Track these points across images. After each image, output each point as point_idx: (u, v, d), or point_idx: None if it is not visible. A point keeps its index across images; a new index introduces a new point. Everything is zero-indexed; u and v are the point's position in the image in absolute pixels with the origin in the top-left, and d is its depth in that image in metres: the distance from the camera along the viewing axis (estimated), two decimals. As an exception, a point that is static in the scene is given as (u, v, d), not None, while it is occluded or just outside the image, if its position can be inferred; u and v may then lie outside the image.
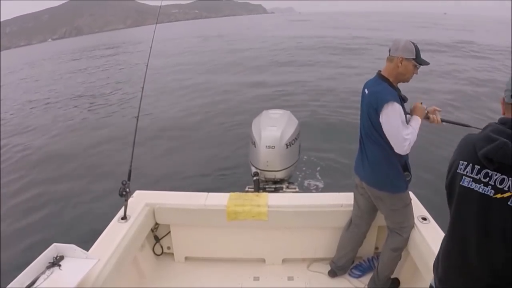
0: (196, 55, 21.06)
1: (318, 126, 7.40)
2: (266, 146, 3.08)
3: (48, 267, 1.71)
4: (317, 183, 5.09)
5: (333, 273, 2.53)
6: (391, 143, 1.92)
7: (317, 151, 6.01)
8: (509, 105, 1.04)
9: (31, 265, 1.67)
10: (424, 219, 2.26)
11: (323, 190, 4.85)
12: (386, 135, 1.92)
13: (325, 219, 2.49)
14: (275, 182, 3.28)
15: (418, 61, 1.94)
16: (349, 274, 2.51)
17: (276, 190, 3.19)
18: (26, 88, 15.94)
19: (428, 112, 2.12)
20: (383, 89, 1.93)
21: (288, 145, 3.13)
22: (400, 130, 1.87)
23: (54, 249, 1.80)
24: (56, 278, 1.67)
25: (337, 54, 17.78)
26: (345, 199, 2.49)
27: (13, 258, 3.75)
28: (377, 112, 1.90)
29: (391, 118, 1.86)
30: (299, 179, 5.05)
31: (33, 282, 1.61)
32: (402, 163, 2.04)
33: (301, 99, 9.41)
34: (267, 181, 3.28)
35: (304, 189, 4.80)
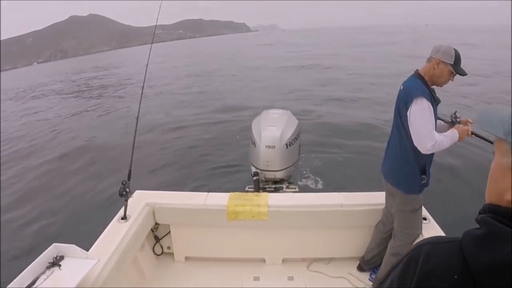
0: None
1: (318, 125, 7.41)
2: (266, 146, 3.08)
3: (48, 267, 1.71)
4: (317, 182, 5.08)
5: (360, 268, 2.55)
6: (414, 139, 1.88)
7: (318, 151, 6.01)
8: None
9: (31, 265, 1.67)
10: (424, 219, 2.26)
11: (323, 190, 4.84)
12: (410, 130, 1.90)
13: (325, 219, 2.48)
14: (275, 182, 3.28)
15: (455, 68, 1.91)
16: (369, 279, 2.50)
17: (276, 190, 3.19)
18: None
19: (461, 122, 2.08)
20: (415, 85, 1.93)
21: (288, 145, 3.13)
22: (426, 126, 1.84)
23: (54, 249, 1.80)
24: (56, 278, 1.66)
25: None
26: (345, 199, 2.48)
27: (13, 258, 3.75)
28: (406, 106, 1.90)
29: (418, 114, 1.84)
30: (299, 179, 5.05)
31: (33, 282, 1.61)
32: (421, 165, 2.01)
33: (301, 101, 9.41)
34: (267, 181, 3.27)
35: (304, 189, 4.80)
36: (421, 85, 1.93)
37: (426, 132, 1.84)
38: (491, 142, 2.09)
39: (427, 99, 1.85)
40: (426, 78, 1.97)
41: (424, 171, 2.04)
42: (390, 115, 2.16)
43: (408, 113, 1.89)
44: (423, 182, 2.04)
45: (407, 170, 2.03)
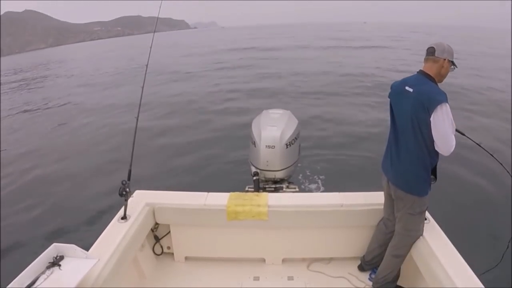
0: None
1: (319, 126, 7.42)
2: (266, 146, 3.08)
3: (48, 267, 1.71)
4: (317, 182, 5.08)
5: (360, 268, 2.56)
6: (440, 144, 1.88)
7: (318, 151, 6.01)
8: None
9: (31, 265, 1.67)
10: (425, 219, 2.26)
11: (323, 190, 4.84)
12: (436, 136, 1.87)
13: (325, 219, 2.48)
14: (275, 182, 3.28)
15: (454, 63, 2.00)
16: (368, 279, 2.49)
17: (276, 190, 3.19)
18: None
19: None
20: (434, 89, 1.92)
21: (288, 145, 3.13)
22: (451, 131, 1.87)
23: (54, 249, 1.80)
24: (56, 278, 1.66)
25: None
26: (345, 199, 2.48)
27: (13, 258, 3.75)
28: (428, 111, 1.86)
29: (446, 119, 1.84)
30: (299, 178, 5.05)
31: (33, 282, 1.61)
32: (433, 166, 2.03)
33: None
34: (267, 181, 3.27)
35: (304, 189, 4.80)
36: (439, 89, 1.92)
37: (451, 136, 1.86)
38: (471, 140, 2.35)
39: (448, 103, 1.86)
40: (436, 79, 1.98)
41: (434, 170, 2.05)
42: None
43: (431, 118, 1.85)
44: (432, 182, 2.05)
45: (423, 174, 2.01)
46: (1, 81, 20.62)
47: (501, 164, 2.35)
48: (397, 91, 2.11)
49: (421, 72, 2.03)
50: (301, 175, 5.17)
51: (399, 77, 2.21)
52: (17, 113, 11.30)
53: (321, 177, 5.21)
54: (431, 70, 1.98)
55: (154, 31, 3.17)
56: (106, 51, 44.83)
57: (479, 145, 2.39)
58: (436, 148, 1.92)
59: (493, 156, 2.37)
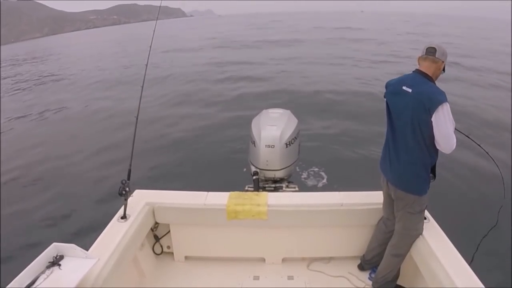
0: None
1: (318, 125, 7.42)
2: (265, 145, 3.08)
3: (48, 267, 1.71)
4: (317, 182, 5.09)
5: (360, 267, 2.57)
6: (442, 143, 1.89)
7: (318, 150, 6.01)
8: None
9: (31, 264, 1.67)
10: (424, 218, 2.26)
11: (323, 189, 4.84)
12: (438, 136, 1.88)
13: (325, 218, 2.48)
14: (275, 181, 3.28)
15: (444, 68, 2.04)
16: (368, 278, 2.49)
17: (276, 189, 3.19)
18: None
19: None
20: (434, 89, 1.92)
21: (288, 144, 3.13)
22: (453, 131, 1.89)
23: (54, 248, 1.80)
24: (56, 278, 1.67)
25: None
26: (345, 198, 2.49)
27: (13, 257, 3.75)
28: (429, 112, 1.85)
29: (447, 119, 1.85)
30: (299, 178, 5.05)
31: (33, 282, 1.61)
32: (433, 165, 2.05)
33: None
34: (266, 180, 3.27)
35: (304, 188, 4.79)
36: (438, 88, 1.93)
37: (452, 135, 1.88)
38: (467, 136, 2.45)
39: (448, 102, 1.86)
40: (434, 79, 1.99)
41: (433, 169, 2.06)
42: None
43: (433, 119, 1.85)
44: (431, 181, 2.06)
45: (423, 174, 2.02)
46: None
47: (492, 158, 2.36)
48: (393, 91, 2.08)
49: (418, 72, 2.01)
50: (301, 174, 5.17)
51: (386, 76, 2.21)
52: (12, 114, 11.30)
53: (321, 176, 5.21)
54: (429, 69, 1.98)
55: (154, 31, 3.16)
56: (103, 41, 44.30)
57: (472, 140, 2.41)
58: (438, 147, 1.94)
59: (484, 150, 2.39)
